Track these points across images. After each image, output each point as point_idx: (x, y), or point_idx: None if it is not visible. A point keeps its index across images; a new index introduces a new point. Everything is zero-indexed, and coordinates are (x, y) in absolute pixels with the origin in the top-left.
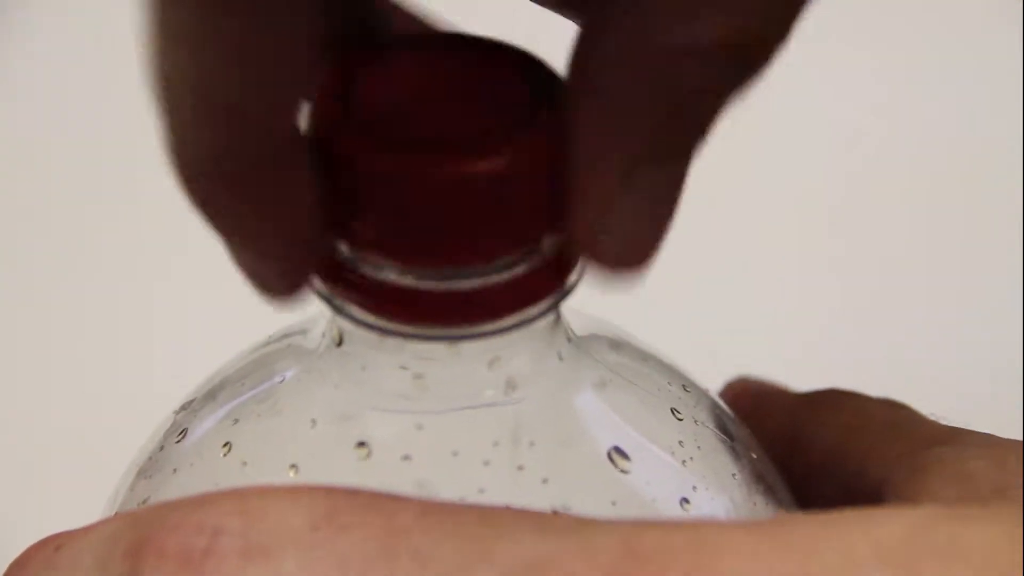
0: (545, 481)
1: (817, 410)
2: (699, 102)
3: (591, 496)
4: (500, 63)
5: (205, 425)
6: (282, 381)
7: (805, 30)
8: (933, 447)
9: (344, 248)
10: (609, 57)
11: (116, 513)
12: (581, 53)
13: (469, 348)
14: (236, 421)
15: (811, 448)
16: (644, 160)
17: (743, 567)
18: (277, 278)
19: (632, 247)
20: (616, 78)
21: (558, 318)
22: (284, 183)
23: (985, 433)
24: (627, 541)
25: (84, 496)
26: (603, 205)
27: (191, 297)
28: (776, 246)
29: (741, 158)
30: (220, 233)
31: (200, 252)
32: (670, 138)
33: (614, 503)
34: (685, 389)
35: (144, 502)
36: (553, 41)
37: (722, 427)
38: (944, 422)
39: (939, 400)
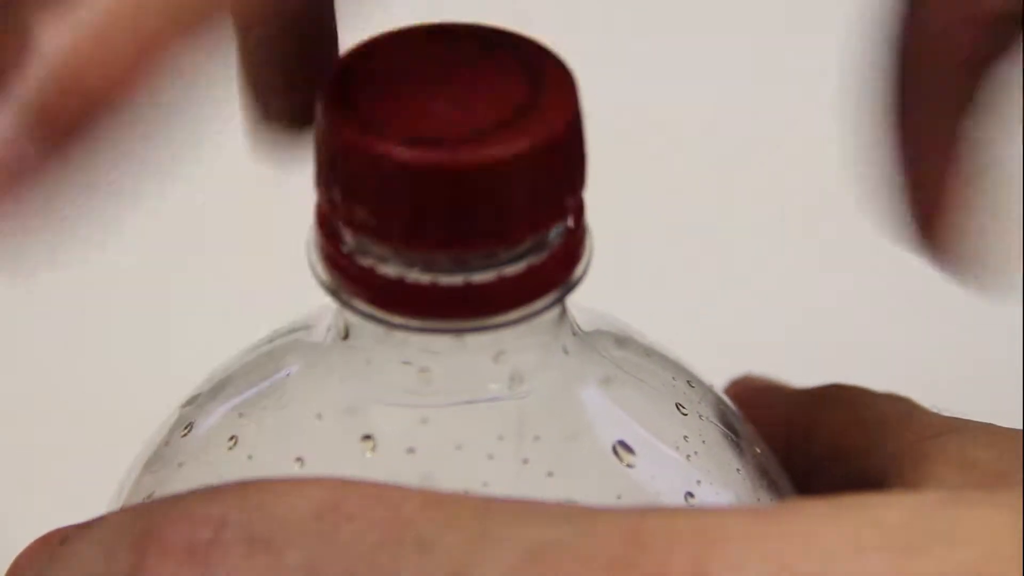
0: (550, 475)
1: (820, 405)
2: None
3: (596, 490)
4: (502, 50)
5: (211, 419)
6: (288, 375)
7: (806, 27)
8: (936, 437)
9: (350, 240)
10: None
11: (122, 507)
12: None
13: (475, 341)
14: (242, 415)
15: (814, 443)
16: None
17: (747, 552)
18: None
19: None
20: (933, 49)
21: (564, 312)
22: None
23: (986, 423)
24: (631, 527)
25: (84, 494)
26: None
27: (194, 293)
28: (780, 243)
29: (745, 154)
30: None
31: (202, 248)
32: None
33: (619, 497)
34: (690, 384)
35: (150, 496)
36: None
37: (726, 422)
38: (946, 414)
39: (940, 394)
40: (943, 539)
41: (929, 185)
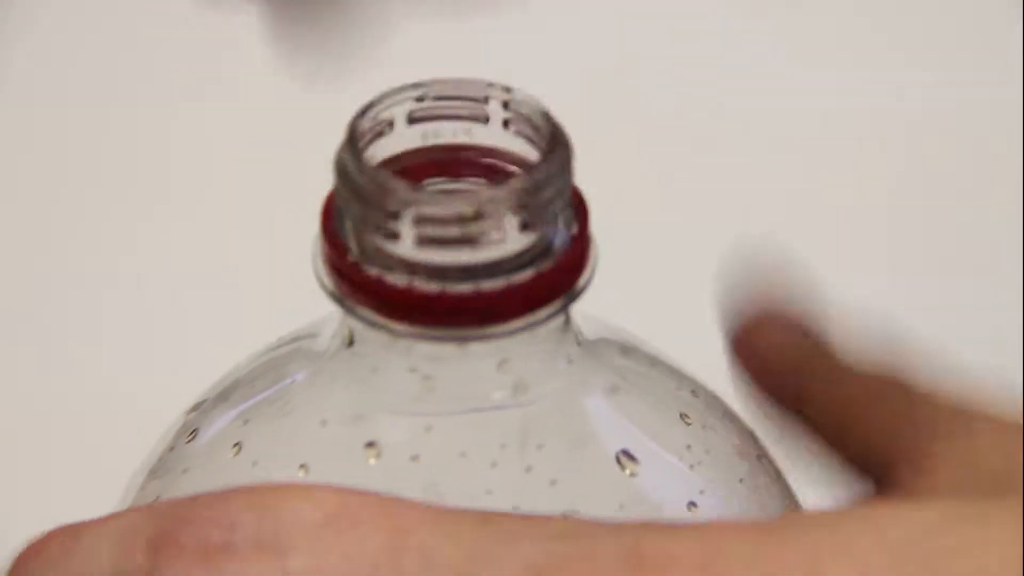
0: (553, 483)
1: (821, 377)
2: None
3: (599, 499)
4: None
5: (216, 426)
6: (292, 382)
7: (808, 25)
8: (941, 438)
9: (355, 249)
10: None
11: (133, 506)
12: None
13: (479, 350)
14: (247, 422)
15: (817, 415)
16: None
17: (747, 570)
18: None
19: None
20: None
21: (568, 321)
22: None
23: (993, 416)
24: (632, 545)
25: (84, 495)
26: None
27: (199, 299)
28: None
29: (747, 158)
30: None
31: (208, 254)
32: None
33: (621, 506)
34: (694, 394)
35: (154, 501)
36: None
37: (731, 432)
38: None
39: None
40: (946, 553)
41: None
